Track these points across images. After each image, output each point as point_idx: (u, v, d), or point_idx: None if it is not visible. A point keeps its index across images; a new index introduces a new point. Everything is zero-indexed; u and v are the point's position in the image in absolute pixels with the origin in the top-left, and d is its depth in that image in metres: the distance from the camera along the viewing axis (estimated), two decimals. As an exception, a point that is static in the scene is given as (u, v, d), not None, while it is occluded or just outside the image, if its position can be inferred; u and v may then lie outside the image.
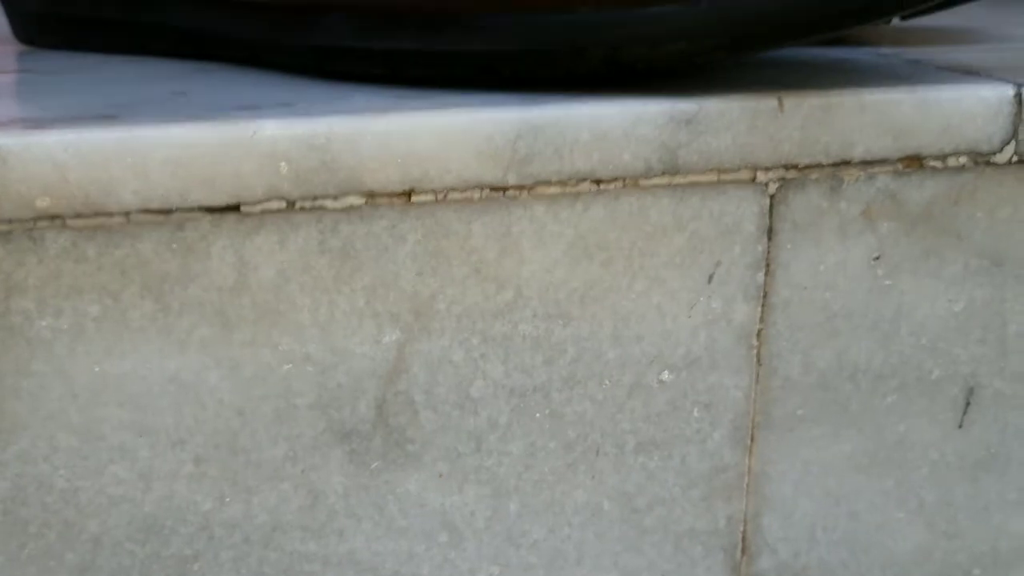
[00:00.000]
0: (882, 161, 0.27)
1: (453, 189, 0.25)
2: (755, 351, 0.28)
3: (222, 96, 0.27)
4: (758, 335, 0.28)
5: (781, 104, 0.26)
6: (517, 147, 0.25)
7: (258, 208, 0.24)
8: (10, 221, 0.23)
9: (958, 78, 0.28)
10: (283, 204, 0.24)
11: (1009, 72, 0.29)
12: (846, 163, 0.27)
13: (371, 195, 0.24)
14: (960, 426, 0.30)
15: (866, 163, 0.27)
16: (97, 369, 0.24)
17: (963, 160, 0.27)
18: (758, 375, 0.28)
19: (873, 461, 0.30)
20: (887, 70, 0.29)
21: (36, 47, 0.39)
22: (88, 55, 0.36)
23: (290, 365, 0.25)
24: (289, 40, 0.30)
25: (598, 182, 0.25)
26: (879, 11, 0.25)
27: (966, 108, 0.27)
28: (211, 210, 0.24)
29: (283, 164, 0.23)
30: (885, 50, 0.34)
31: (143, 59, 0.34)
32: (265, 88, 0.27)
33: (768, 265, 0.27)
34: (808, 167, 0.26)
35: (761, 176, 0.26)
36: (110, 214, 0.23)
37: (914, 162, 0.27)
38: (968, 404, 0.30)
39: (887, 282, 0.28)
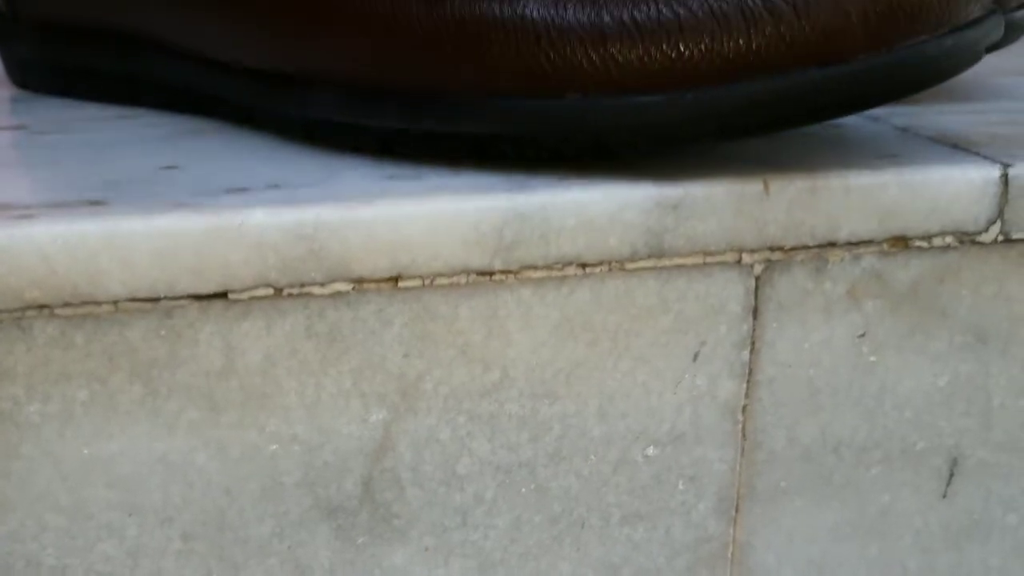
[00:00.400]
0: (868, 242, 0.27)
1: (440, 274, 0.25)
2: (740, 426, 0.28)
3: (212, 171, 0.27)
4: (743, 410, 0.28)
5: (767, 187, 0.26)
6: (504, 234, 0.25)
7: (246, 295, 0.24)
8: (-1, 311, 0.23)
9: (945, 155, 0.28)
10: (270, 291, 0.24)
11: (997, 143, 0.30)
12: (832, 244, 0.27)
13: (359, 281, 0.24)
14: (944, 496, 0.30)
15: (852, 244, 0.27)
16: (86, 451, 0.24)
17: (949, 240, 0.27)
18: (743, 449, 0.28)
19: (856, 531, 0.30)
20: (875, 142, 0.29)
21: (30, 91, 0.39)
22: (81, 104, 0.36)
23: (277, 445, 0.25)
24: (280, 109, 0.30)
25: (584, 266, 0.25)
26: (866, 103, 0.25)
27: (952, 190, 0.27)
28: (199, 297, 0.24)
29: (271, 253, 0.24)
30: (876, 111, 0.34)
31: (136, 112, 0.34)
32: (255, 162, 0.28)
33: (753, 343, 0.27)
34: (793, 249, 0.27)
35: (746, 258, 0.26)
36: (98, 303, 0.23)
37: (900, 242, 0.27)
38: (952, 474, 0.30)
39: (872, 358, 0.28)
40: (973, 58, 0.25)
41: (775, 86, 0.24)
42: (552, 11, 0.25)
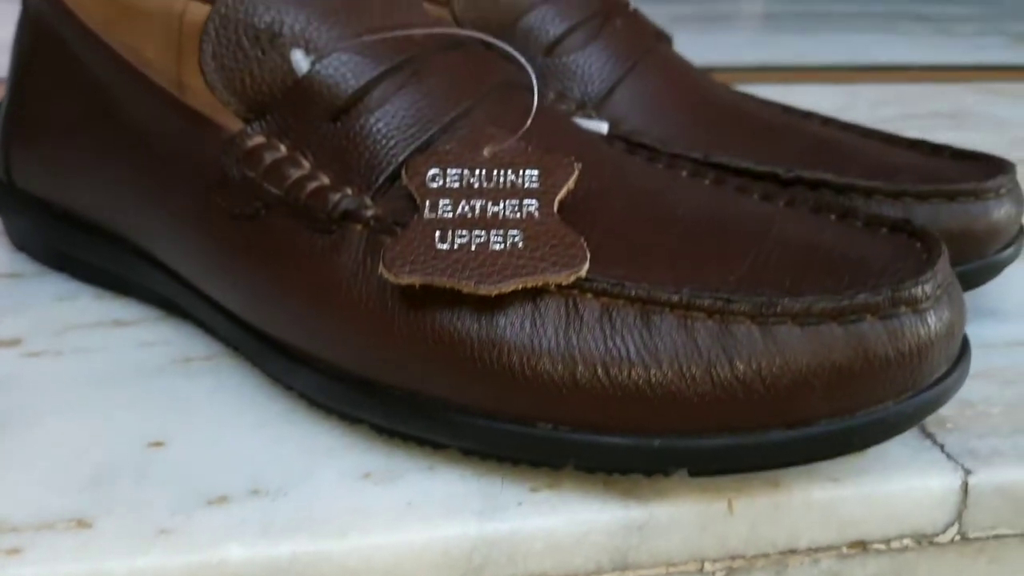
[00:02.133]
0: (827, 548, 0.28)
1: (410, 593, 0.26)
2: None
3: (195, 457, 0.28)
4: None
5: (731, 506, 0.27)
6: (472, 558, 0.26)
7: (223, 619, 0.25)
8: (-13, 642, 0.24)
9: (909, 450, 0.29)
10: (247, 615, 0.25)
11: (965, 419, 0.30)
12: (792, 551, 0.28)
13: (331, 603, 0.25)
14: None
15: (812, 550, 0.28)
16: None
17: (907, 542, 0.28)
18: None
19: None
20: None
21: (27, 255, 0.39)
22: (77, 294, 0.37)
23: None
24: (264, 364, 0.31)
25: (550, 579, 0.27)
26: (827, 457, 0.25)
27: (912, 499, 0.28)
28: (178, 623, 0.25)
29: (247, 585, 0.25)
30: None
31: (131, 314, 0.35)
32: (238, 440, 0.28)
33: (711, 635, 0.28)
34: (755, 556, 0.28)
35: (708, 566, 0.27)
36: (82, 632, 0.24)
37: (859, 546, 0.28)
38: None
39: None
40: (936, 409, 0.26)
41: (739, 442, 0.25)
42: (528, 338, 0.26)
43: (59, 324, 0.35)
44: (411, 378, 0.27)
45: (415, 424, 0.27)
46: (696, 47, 0.50)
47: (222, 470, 0.27)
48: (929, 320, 0.24)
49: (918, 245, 0.27)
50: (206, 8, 0.38)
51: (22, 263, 0.39)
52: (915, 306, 0.24)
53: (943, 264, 0.25)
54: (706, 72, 0.41)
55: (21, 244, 0.40)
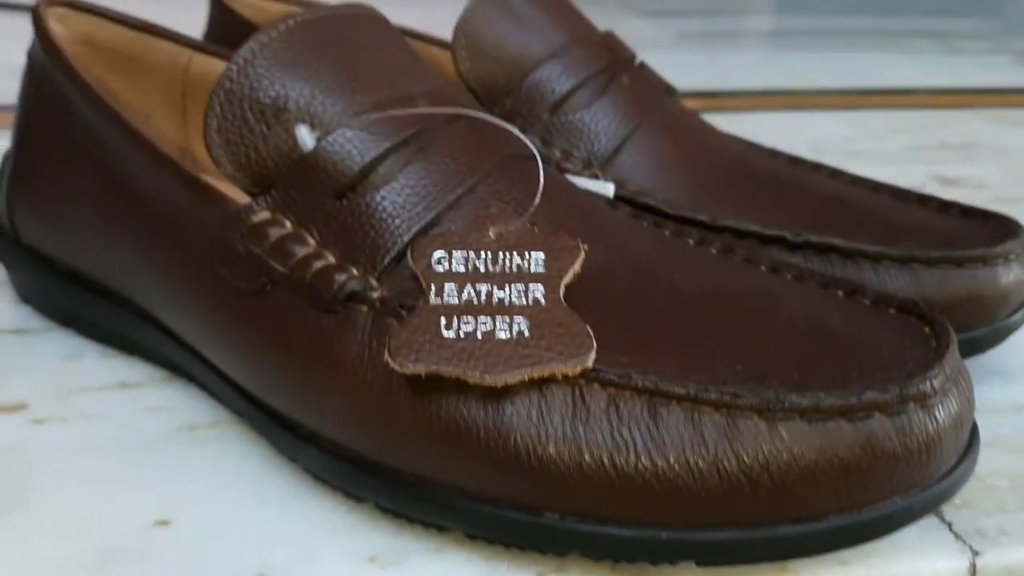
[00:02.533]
0: (834, 630, 0.28)
1: None
2: None
3: (200, 538, 0.28)
4: None
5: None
6: (478, 646, 0.26)
7: None
8: None
9: (919, 528, 0.29)
10: None
11: (975, 494, 0.30)
12: (799, 635, 0.28)
13: None
14: None
15: (818, 634, 0.28)
16: None
17: (914, 620, 0.28)
18: None
19: None
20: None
21: (34, 308, 0.39)
22: (82, 353, 0.36)
23: None
24: (268, 434, 0.31)
25: (556, 665, 0.26)
26: (832, 551, 0.25)
27: (920, 581, 0.28)
28: None
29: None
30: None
31: (136, 375, 0.35)
32: (243, 516, 0.28)
33: None
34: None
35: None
36: None
37: (866, 628, 0.28)
38: None
39: None
40: (944, 502, 0.26)
41: (746, 536, 0.25)
42: (535, 427, 0.25)
43: (65, 387, 0.35)
44: (417, 462, 0.27)
45: (421, 508, 0.27)
46: (702, 66, 0.50)
47: (228, 552, 0.27)
48: (937, 415, 0.24)
49: (926, 330, 0.26)
50: (211, 61, 0.38)
51: (27, 317, 0.39)
52: (923, 402, 0.24)
53: (951, 355, 0.25)
54: (714, 102, 0.41)
55: (26, 297, 0.40)
